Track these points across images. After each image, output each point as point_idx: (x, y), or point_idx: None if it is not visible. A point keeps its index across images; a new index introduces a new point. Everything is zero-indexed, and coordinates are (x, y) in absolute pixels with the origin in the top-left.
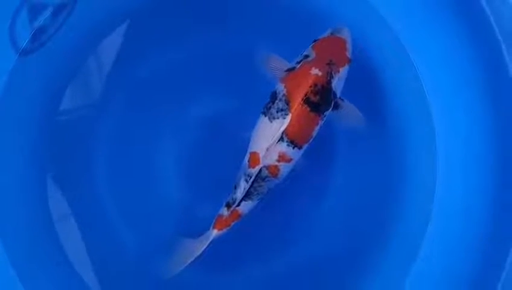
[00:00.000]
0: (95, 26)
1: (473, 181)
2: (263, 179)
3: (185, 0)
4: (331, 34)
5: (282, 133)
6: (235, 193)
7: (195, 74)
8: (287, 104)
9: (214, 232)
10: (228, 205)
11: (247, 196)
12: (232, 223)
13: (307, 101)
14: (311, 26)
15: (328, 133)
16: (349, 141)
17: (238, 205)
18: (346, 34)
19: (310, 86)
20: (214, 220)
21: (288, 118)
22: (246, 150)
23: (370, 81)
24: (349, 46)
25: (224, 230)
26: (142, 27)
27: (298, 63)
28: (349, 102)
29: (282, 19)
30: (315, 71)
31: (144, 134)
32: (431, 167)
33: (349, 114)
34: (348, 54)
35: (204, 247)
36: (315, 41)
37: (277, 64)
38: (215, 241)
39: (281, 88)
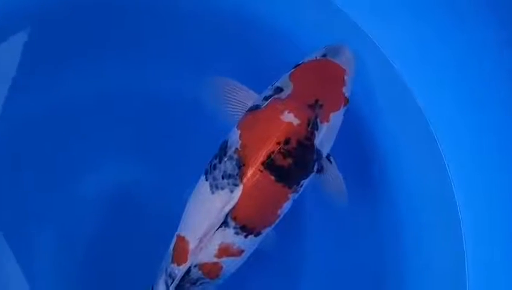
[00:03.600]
0: None
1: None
2: (194, 283)
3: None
4: (324, 56)
5: (228, 214)
6: None
7: (98, 124)
8: (239, 168)
9: None
10: None
11: None
12: None
13: (270, 165)
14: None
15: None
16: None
17: None
18: (346, 58)
19: (278, 143)
20: None
21: (239, 191)
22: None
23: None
24: (348, 77)
25: None
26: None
27: (266, 99)
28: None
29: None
30: (288, 117)
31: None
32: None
33: (331, 182)
34: (345, 91)
35: None
36: (296, 66)
37: (237, 96)
38: None
39: (235, 138)
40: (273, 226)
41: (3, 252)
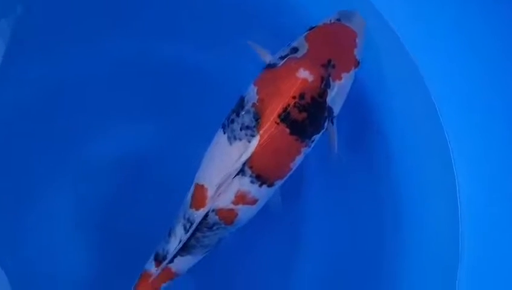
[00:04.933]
0: None
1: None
2: (210, 228)
3: None
4: (338, 20)
5: (245, 163)
6: (167, 243)
7: (110, 89)
8: (256, 120)
9: None
10: (157, 259)
11: (185, 249)
12: (163, 285)
13: (286, 118)
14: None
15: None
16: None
17: (172, 261)
18: (358, 23)
19: (294, 97)
20: (137, 279)
21: (256, 141)
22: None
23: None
24: (360, 41)
25: None
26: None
27: (282, 58)
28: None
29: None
30: (304, 74)
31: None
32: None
33: (329, 137)
34: (357, 54)
35: None
36: (311, 28)
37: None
38: None
39: (252, 93)
40: (284, 179)
41: (24, 218)
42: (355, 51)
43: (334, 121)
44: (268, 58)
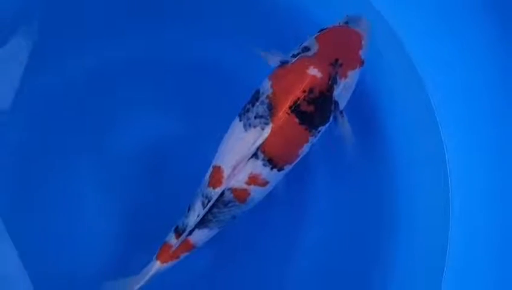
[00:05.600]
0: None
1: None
2: (225, 205)
3: None
4: (346, 23)
5: (258, 148)
6: (187, 217)
7: (134, 82)
8: (270, 110)
9: (157, 265)
10: (177, 232)
11: (202, 223)
12: (182, 256)
13: (296, 109)
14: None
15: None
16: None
17: (190, 233)
18: (364, 27)
19: (304, 91)
20: (158, 249)
21: (269, 128)
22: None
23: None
24: (365, 43)
25: (170, 263)
26: (62, 20)
27: (294, 56)
28: (348, 120)
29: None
30: (313, 71)
31: (62, 157)
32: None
33: (342, 135)
34: (362, 54)
35: (143, 282)
36: (321, 30)
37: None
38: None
39: (266, 87)
40: (292, 165)
41: (55, 205)
42: (361, 52)
43: (344, 114)
44: (280, 57)
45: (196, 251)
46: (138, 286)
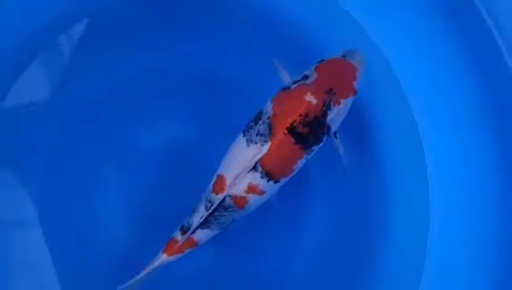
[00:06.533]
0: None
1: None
2: (226, 209)
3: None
4: (343, 56)
5: (257, 162)
6: (191, 217)
7: (159, 93)
8: (270, 130)
9: (164, 257)
10: (183, 230)
11: (205, 224)
12: (186, 251)
13: (292, 131)
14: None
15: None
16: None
17: (194, 232)
18: (359, 60)
19: (300, 115)
20: (165, 244)
21: (267, 146)
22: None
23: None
24: (359, 74)
25: (176, 256)
26: (100, 30)
27: (295, 82)
28: (341, 142)
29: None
30: (310, 98)
31: (87, 156)
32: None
33: (336, 150)
34: (355, 84)
35: (149, 270)
36: (321, 61)
37: (281, 74)
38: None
39: (268, 109)
40: (288, 178)
41: (80, 201)
42: (354, 83)
43: (338, 135)
44: (286, 78)
45: (199, 247)
46: (144, 273)
